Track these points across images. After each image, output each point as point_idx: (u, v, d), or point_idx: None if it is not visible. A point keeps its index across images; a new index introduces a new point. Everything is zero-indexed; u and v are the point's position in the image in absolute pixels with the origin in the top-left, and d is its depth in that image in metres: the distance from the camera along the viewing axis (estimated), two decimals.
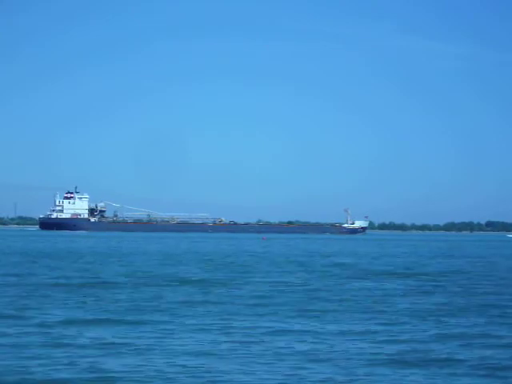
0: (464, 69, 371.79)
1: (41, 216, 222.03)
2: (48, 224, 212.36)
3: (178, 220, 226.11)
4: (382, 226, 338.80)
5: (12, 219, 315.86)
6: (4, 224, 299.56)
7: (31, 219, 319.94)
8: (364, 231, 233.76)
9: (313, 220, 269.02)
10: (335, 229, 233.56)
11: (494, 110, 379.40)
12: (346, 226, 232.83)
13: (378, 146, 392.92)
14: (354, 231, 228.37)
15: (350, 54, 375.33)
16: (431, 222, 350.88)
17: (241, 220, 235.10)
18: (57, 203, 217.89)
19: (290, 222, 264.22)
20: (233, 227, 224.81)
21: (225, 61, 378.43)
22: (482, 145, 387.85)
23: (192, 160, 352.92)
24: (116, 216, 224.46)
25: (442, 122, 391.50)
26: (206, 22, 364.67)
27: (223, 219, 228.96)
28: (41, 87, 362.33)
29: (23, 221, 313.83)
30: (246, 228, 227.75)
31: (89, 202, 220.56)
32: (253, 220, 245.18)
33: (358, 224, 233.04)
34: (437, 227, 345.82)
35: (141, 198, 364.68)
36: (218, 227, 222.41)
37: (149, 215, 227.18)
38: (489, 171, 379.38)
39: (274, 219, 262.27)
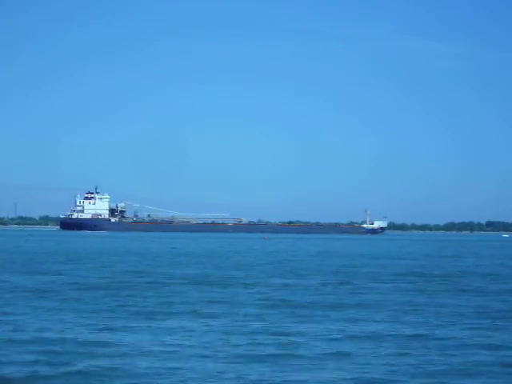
0: (464, 69, 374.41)
1: (61, 216, 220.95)
2: (68, 224, 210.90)
3: (199, 220, 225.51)
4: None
5: (12, 219, 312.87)
6: (4, 224, 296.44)
7: (31, 219, 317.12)
8: (383, 231, 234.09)
9: (313, 220, 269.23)
10: (354, 229, 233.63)
11: (494, 110, 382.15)
12: (365, 226, 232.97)
13: (378, 146, 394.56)
14: (374, 231, 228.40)
15: (350, 54, 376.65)
16: (431, 222, 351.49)
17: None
18: (77, 203, 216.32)
19: (290, 222, 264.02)
20: (252, 227, 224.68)
21: (225, 61, 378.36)
22: (482, 145, 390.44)
23: (192, 160, 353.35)
24: (136, 216, 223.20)
25: (442, 122, 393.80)
26: (206, 22, 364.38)
27: (243, 219, 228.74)
28: (41, 87, 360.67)
29: (23, 221, 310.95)
30: (265, 228, 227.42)
31: (109, 202, 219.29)
32: (252, 220, 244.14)
33: (378, 224, 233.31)
34: (437, 227, 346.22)
35: (141, 197, 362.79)
36: (239, 227, 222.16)
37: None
38: (489, 171, 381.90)
39: (274, 219, 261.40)
